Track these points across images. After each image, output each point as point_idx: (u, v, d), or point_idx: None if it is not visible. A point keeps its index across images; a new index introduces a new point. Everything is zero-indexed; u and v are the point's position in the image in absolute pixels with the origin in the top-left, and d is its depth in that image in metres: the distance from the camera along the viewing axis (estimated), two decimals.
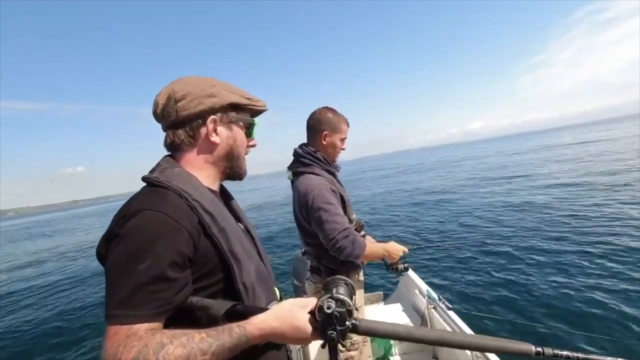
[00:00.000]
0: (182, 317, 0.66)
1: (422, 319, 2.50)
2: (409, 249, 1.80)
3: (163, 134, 0.85)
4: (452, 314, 2.21)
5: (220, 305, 0.70)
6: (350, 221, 1.70)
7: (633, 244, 4.99)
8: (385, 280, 4.60)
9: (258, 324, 0.65)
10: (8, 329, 5.86)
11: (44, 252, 15.35)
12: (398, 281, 3.17)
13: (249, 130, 0.90)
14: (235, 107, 0.84)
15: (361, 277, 1.83)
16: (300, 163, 1.68)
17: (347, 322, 0.66)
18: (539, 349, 0.69)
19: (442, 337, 0.70)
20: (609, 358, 0.66)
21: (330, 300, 0.65)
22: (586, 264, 4.60)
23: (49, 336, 5.36)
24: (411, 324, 2.52)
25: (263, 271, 0.84)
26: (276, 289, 0.91)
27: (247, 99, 0.86)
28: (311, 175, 1.63)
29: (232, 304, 0.71)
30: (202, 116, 0.80)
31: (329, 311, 0.64)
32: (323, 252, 1.63)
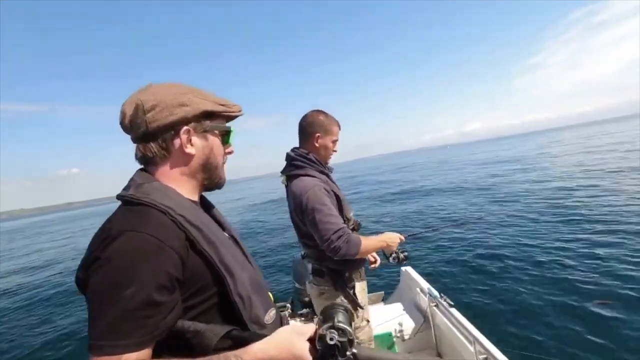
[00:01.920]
0: (172, 342, 0.63)
1: (424, 318, 2.49)
2: (405, 237, 1.82)
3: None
4: (454, 311, 2.20)
5: (215, 331, 0.66)
6: (348, 220, 1.69)
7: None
8: (386, 279, 4.60)
9: (256, 352, 0.63)
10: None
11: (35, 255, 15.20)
12: (399, 280, 3.17)
13: (225, 137, 0.85)
14: (209, 115, 0.78)
15: (363, 275, 1.83)
16: (294, 166, 1.69)
17: (347, 352, 0.65)
18: None
19: None
20: None
21: (332, 330, 0.65)
22: (590, 261, 4.60)
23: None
24: (414, 323, 2.52)
25: (256, 278, 0.81)
26: (270, 294, 0.89)
27: (222, 105, 0.81)
28: (305, 177, 1.64)
29: (227, 329, 0.68)
30: (174, 127, 0.74)
31: (331, 342, 0.63)
32: (323, 254, 1.62)
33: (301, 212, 1.59)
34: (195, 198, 0.82)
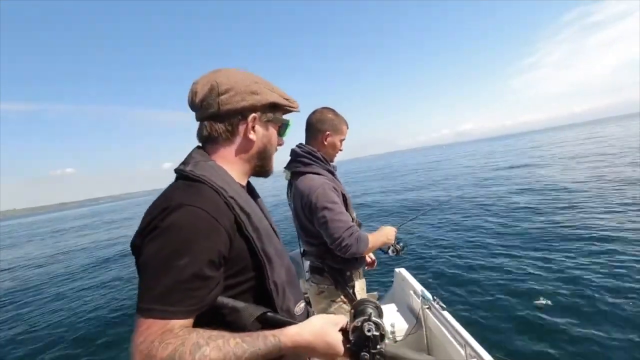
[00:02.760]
0: (211, 316, 0.66)
1: (416, 319, 2.50)
2: (397, 228, 1.87)
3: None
4: (446, 314, 2.22)
5: (251, 310, 0.70)
6: (352, 219, 1.71)
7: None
8: (380, 280, 4.62)
9: (293, 335, 0.65)
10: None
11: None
12: (392, 281, 3.18)
13: (282, 129, 0.90)
14: (274, 106, 0.84)
15: (362, 274, 1.85)
16: (300, 163, 1.67)
17: (378, 346, 0.67)
18: None
19: None
20: None
21: (370, 323, 0.68)
22: (584, 261, 4.64)
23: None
24: (406, 324, 2.53)
25: (292, 271, 0.85)
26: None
27: (286, 99, 0.86)
28: (313, 175, 1.63)
29: (262, 310, 0.71)
30: (243, 112, 0.79)
31: (369, 334, 0.66)
32: (326, 252, 1.63)
33: (309, 211, 1.58)
34: (244, 182, 0.87)
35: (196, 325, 0.64)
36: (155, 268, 0.61)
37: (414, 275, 2.86)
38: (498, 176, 14.99)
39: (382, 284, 4.30)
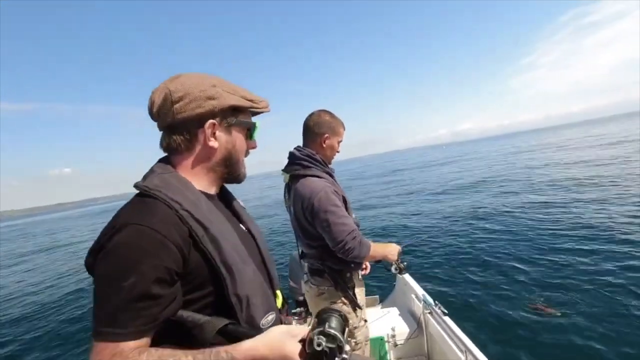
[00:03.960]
0: (172, 331, 0.66)
1: (417, 324, 2.50)
2: (402, 247, 1.87)
3: (154, 135, 0.80)
4: (447, 319, 2.21)
5: (213, 323, 0.68)
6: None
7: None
8: (382, 284, 4.60)
9: (246, 350, 0.63)
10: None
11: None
12: (394, 285, 3.18)
13: (249, 132, 0.86)
14: (235, 109, 0.79)
15: (360, 277, 1.86)
16: (300, 165, 1.68)
17: (336, 358, 0.64)
18: None
19: None
20: None
21: (320, 336, 0.64)
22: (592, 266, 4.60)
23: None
24: (407, 329, 2.52)
25: (260, 280, 0.80)
26: (279, 292, 0.90)
27: (249, 100, 0.81)
28: (313, 177, 1.64)
29: (224, 322, 0.69)
30: (201, 120, 0.75)
31: (318, 348, 0.63)
32: (326, 254, 1.65)
33: (311, 214, 1.59)
34: (212, 191, 0.83)
35: (159, 340, 0.64)
36: (103, 290, 0.61)
37: (416, 280, 2.86)
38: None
39: (383, 288, 4.27)
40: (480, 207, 9.57)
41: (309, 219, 1.62)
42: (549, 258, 5.11)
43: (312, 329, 0.68)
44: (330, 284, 1.71)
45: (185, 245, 0.66)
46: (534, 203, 8.99)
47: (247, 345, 0.64)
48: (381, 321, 2.62)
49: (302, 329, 0.69)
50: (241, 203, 0.97)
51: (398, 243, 1.88)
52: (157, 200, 0.68)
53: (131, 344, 0.59)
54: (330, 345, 0.64)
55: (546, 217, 7.42)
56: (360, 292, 1.81)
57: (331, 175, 1.72)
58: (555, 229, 6.43)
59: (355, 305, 1.73)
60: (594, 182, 10.40)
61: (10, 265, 13.10)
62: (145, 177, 0.75)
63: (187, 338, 0.66)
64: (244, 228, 0.88)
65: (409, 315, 2.69)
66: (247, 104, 0.80)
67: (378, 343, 2.45)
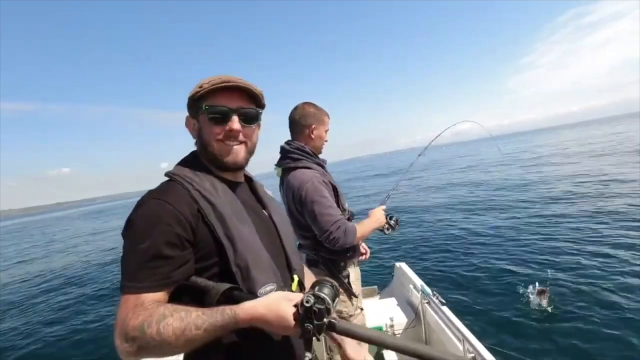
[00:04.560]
0: (187, 294, 0.77)
1: (415, 314, 2.50)
2: (384, 205, 1.90)
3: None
4: (445, 309, 2.22)
5: (219, 287, 0.77)
6: (343, 210, 1.74)
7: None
8: (380, 275, 4.63)
9: (248, 309, 0.71)
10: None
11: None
12: (392, 275, 3.18)
13: (215, 117, 0.85)
14: (195, 100, 0.87)
15: (357, 265, 1.87)
16: (290, 159, 1.71)
17: (324, 319, 0.70)
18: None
19: (405, 345, 0.74)
20: None
21: (310, 296, 0.70)
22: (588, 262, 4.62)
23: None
24: (405, 319, 2.54)
25: (265, 255, 0.86)
26: (295, 277, 0.96)
27: (198, 87, 0.85)
28: (303, 169, 1.67)
29: (227, 286, 0.78)
30: (189, 118, 0.92)
31: (307, 305, 0.69)
32: (319, 245, 1.66)
33: (300, 204, 1.62)
34: (237, 178, 0.95)
35: (173, 302, 0.73)
36: (126, 253, 0.74)
37: (414, 270, 2.87)
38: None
39: (381, 278, 4.30)
40: (483, 201, 9.61)
41: (299, 210, 1.65)
42: (550, 250, 5.14)
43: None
44: (325, 274, 1.72)
45: (194, 218, 0.78)
46: (542, 198, 9.04)
47: (248, 305, 0.72)
48: (379, 311, 2.63)
49: (298, 295, 0.75)
50: (269, 193, 1.08)
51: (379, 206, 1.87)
52: (175, 182, 0.84)
53: (150, 296, 0.70)
54: (319, 306, 0.69)
55: (550, 212, 7.44)
56: (356, 281, 1.82)
57: (322, 166, 1.74)
58: (557, 223, 6.50)
59: (350, 294, 1.74)
60: (592, 179, 10.41)
61: (6, 261, 13.13)
62: (176, 165, 0.92)
63: (198, 301, 0.75)
64: (266, 213, 0.99)
65: (407, 305, 2.70)
66: (196, 90, 0.85)
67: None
